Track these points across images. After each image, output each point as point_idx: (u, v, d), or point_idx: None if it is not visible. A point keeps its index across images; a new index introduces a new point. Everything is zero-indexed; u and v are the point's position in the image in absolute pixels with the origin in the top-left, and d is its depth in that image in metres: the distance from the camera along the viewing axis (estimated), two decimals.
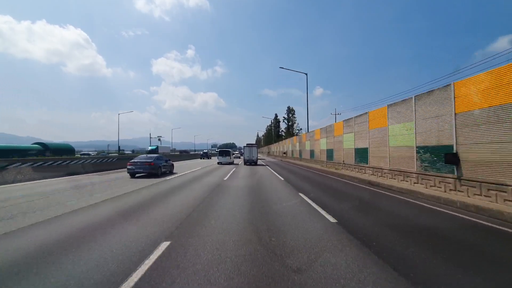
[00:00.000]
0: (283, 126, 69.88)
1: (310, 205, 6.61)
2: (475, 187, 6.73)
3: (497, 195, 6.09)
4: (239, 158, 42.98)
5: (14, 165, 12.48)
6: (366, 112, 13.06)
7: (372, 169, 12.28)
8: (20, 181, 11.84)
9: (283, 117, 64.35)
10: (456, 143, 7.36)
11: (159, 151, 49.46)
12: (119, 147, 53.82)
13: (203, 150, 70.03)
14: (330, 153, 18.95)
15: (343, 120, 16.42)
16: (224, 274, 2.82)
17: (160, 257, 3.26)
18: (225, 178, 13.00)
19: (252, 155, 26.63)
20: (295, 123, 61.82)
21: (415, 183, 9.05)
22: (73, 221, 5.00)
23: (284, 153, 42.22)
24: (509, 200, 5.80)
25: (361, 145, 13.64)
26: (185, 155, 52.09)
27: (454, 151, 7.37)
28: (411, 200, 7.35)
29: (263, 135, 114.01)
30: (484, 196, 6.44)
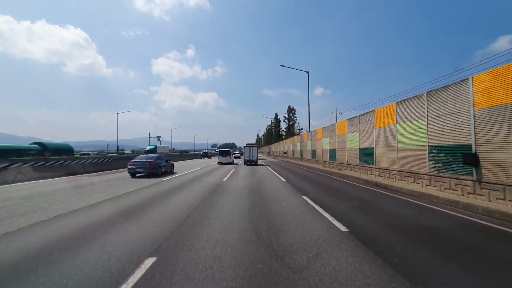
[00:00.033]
0: (283, 125, 69.30)
1: (315, 209, 6.03)
2: (497, 190, 6.11)
3: None
4: (239, 158, 42.92)
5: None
6: (372, 110, 12.44)
7: (378, 170, 11.66)
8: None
9: (284, 116, 63.75)
10: (475, 142, 6.75)
11: (158, 151, 48.97)
12: (117, 147, 53.34)
13: (203, 150, 69.63)
14: (333, 153, 18.34)
15: (347, 119, 15.80)
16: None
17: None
18: (225, 178, 12.85)
19: (252, 155, 26.42)
20: (296, 122, 61.21)
21: (427, 185, 8.44)
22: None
23: (285, 153, 41.62)
24: None
25: (367, 144, 13.02)
26: (185, 155, 51.94)
27: (473, 151, 6.76)
28: (425, 204, 6.74)
29: (263, 135, 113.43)
30: (509, 200, 5.83)
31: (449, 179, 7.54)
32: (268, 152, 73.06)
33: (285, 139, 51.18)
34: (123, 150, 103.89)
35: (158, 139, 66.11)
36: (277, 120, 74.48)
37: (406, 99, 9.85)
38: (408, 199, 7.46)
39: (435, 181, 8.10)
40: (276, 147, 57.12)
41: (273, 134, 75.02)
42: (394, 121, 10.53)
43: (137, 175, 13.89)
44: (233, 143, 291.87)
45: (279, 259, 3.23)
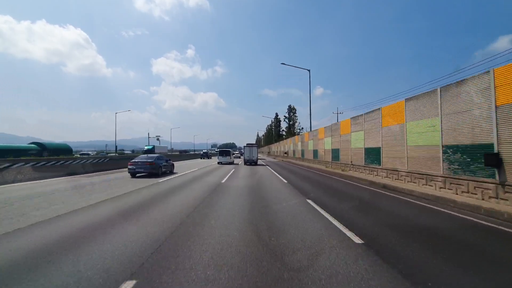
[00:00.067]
0: (283, 125, 68.66)
1: (322, 215, 5.41)
2: None
3: None
4: (239, 158, 42.83)
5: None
6: (379, 108, 11.82)
7: (386, 171, 11.04)
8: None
9: (284, 116, 63.08)
10: (497, 141, 6.14)
11: (156, 151, 48.49)
12: (116, 147, 52.79)
13: (203, 150, 69.35)
14: (335, 153, 17.72)
15: (351, 118, 15.18)
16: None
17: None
18: (225, 178, 12.72)
19: (252, 155, 26.22)
20: (296, 122, 60.53)
21: (441, 188, 7.82)
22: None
23: (285, 153, 41.02)
24: None
25: (373, 144, 12.41)
26: (185, 155, 51.67)
27: (495, 151, 6.15)
28: (442, 210, 6.12)
29: (263, 135, 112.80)
30: None
31: (467, 181, 6.92)
32: (268, 152, 72.45)
33: (285, 139, 50.56)
34: (123, 150, 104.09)
35: (157, 139, 65.55)
36: (277, 120, 73.86)
37: (417, 95, 9.24)
38: (423, 203, 6.84)
39: (451, 183, 7.48)
40: (276, 147, 56.52)
41: (273, 134, 74.39)
42: (403, 119, 9.92)
43: (137, 175, 13.90)
44: (233, 143, 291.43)
45: (287, 282, 2.71)
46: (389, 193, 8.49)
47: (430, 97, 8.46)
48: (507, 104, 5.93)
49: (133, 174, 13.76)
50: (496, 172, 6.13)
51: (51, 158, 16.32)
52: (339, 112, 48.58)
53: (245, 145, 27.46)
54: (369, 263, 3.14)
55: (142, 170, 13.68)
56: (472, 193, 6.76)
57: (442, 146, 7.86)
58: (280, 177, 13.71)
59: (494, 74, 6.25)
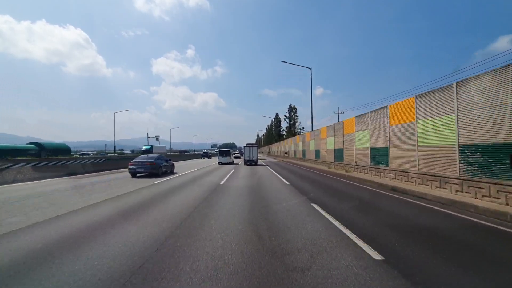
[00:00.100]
0: (284, 125, 67.98)
1: (331, 222, 4.78)
2: None
3: None
4: (239, 158, 42.78)
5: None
6: (386, 106, 11.20)
7: (394, 172, 10.42)
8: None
9: (285, 116, 62.31)
10: None
11: (154, 151, 47.99)
12: (114, 147, 52.23)
13: (203, 150, 69.17)
14: (339, 153, 17.11)
15: (355, 116, 14.56)
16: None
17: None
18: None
19: (252, 155, 26.07)
20: (297, 121, 59.74)
21: (457, 191, 7.20)
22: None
23: (286, 153, 40.42)
24: None
25: (379, 144, 11.79)
26: (185, 155, 51.38)
27: None
28: (464, 216, 5.50)
29: (263, 135, 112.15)
30: None
31: (488, 184, 6.30)
32: (269, 152, 71.82)
33: (286, 138, 49.93)
34: (123, 150, 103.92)
35: (157, 139, 65.05)
36: (277, 120, 73.21)
37: (429, 91, 8.61)
38: (439, 208, 6.23)
39: (469, 186, 6.86)
40: (276, 147, 55.91)
41: (274, 134, 73.74)
42: (413, 117, 9.30)
43: (138, 175, 13.94)
44: (233, 143, 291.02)
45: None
46: (399, 196, 7.88)
47: (444, 93, 7.84)
48: None
49: (134, 174, 13.78)
50: None
51: (50, 158, 16.19)
52: (340, 112, 47.98)
53: (245, 145, 27.26)
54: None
55: (142, 170, 13.66)
56: (494, 198, 6.13)
57: (459, 146, 7.24)
58: (281, 177, 13.34)
59: None
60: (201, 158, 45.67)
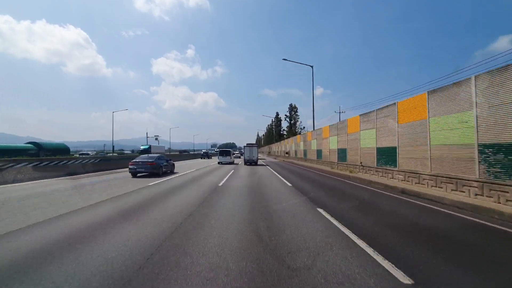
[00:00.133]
0: (284, 125, 67.34)
1: (343, 233, 4.15)
2: None
3: None
4: (239, 158, 42.87)
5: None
6: (394, 103, 10.58)
7: (403, 173, 9.80)
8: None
9: (285, 115, 61.64)
10: None
11: (153, 151, 47.61)
12: (113, 147, 51.63)
13: (202, 150, 69.20)
14: (342, 153, 16.49)
15: (360, 115, 13.94)
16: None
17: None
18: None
19: (252, 155, 26.09)
20: (298, 121, 59.08)
21: (477, 194, 6.59)
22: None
23: (287, 153, 39.81)
24: None
25: (386, 143, 11.17)
26: (185, 155, 51.72)
27: None
28: (491, 225, 4.89)
29: (263, 135, 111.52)
30: None
31: None
32: (269, 152, 71.21)
33: (286, 138, 49.33)
34: (123, 150, 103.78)
35: (156, 139, 64.61)
36: (278, 119, 72.58)
37: (443, 87, 7.99)
38: (460, 214, 5.61)
39: (490, 190, 6.25)
40: (277, 147, 55.30)
41: (274, 134, 73.13)
42: (425, 114, 8.68)
43: (138, 175, 13.97)
44: (233, 143, 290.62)
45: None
46: (412, 200, 7.26)
47: (461, 88, 7.22)
48: None
49: (134, 174, 13.79)
50: None
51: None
52: (342, 111, 47.33)
53: (245, 145, 27.09)
54: None
55: (143, 170, 13.66)
56: None
57: (478, 145, 6.63)
58: (282, 178, 12.87)
59: None
60: (202, 158, 45.68)
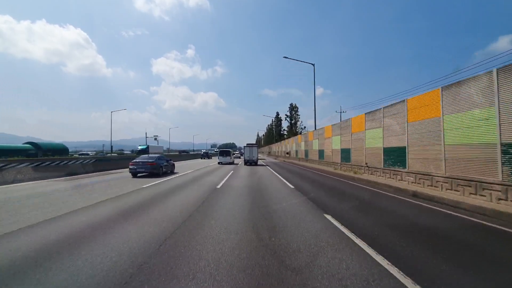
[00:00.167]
0: (285, 124, 66.71)
1: (360, 248, 3.55)
2: None
3: None
4: (239, 158, 42.89)
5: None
6: (403, 100, 9.97)
7: (414, 175, 9.19)
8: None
9: (286, 114, 60.95)
10: None
11: (151, 151, 47.36)
12: (111, 147, 51.01)
13: (202, 150, 69.31)
14: (345, 154, 15.89)
15: (365, 113, 13.34)
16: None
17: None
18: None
19: (252, 155, 25.96)
20: (298, 121, 58.37)
21: (500, 199, 5.98)
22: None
23: (287, 153, 39.21)
24: None
25: (395, 143, 10.57)
26: (185, 155, 52.22)
27: None
28: None
29: (263, 135, 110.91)
30: None
31: None
32: (269, 152, 70.60)
33: (287, 138, 48.72)
34: (122, 150, 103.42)
35: (155, 139, 64.08)
36: (278, 119, 71.96)
37: (459, 81, 7.38)
38: (489, 224, 5.01)
39: None
40: (277, 147, 54.70)
41: (274, 134, 72.51)
42: (438, 112, 8.07)
43: (139, 175, 13.97)
44: (233, 143, 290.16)
45: None
46: (425, 204, 6.68)
47: (480, 82, 6.62)
48: None
49: (135, 174, 13.80)
50: None
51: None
52: (343, 111, 46.74)
53: (245, 145, 26.94)
54: None
55: (143, 170, 13.66)
56: None
57: (501, 145, 6.02)
58: (282, 178, 12.47)
59: None
60: (202, 158, 45.73)
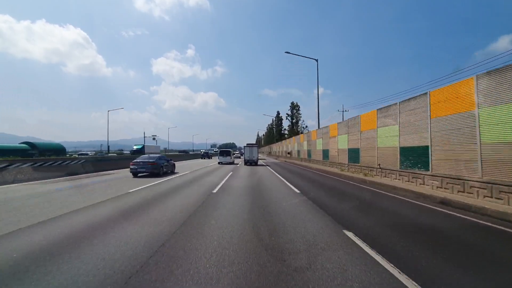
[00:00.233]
0: (285, 124, 65.46)
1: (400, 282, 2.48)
2: None
3: None
4: (239, 158, 42.62)
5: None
6: (426, 93, 8.76)
7: (440, 178, 7.97)
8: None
9: (286, 114, 59.63)
10: None
11: (146, 151, 46.78)
12: (108, 147, 49.99)
13: (202, 150, 69.15)
14: (354, 154, 14.69)
15: (377, 109, 12.14)
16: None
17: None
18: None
19: (252, 155, 25.61)
20: (299, 120, 57.16)
21: None
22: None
23: (289, 153, 38.02)
24: None
25: (414, 142, 9.36)
26: (185, 155, 52.54)
27: None
28: None
29: (263, 135, 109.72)
30: None
31: None
32: (269, 152, 69.41)
33: (288, 138, 47.53)
34: (122, 150, 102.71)
35: (154, 138, 63.15)
36: (278, 119, 70.75)
37: (500, 68, 6.20)
38: None
39: None
40: (278, 147, 53.52)
41: (275, 133, 71.30)
42: (471, 104, 6.88)
43: (139, 175, 13.96)
44: (233, 143, 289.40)
45: None
46: (458, 214, 5.51)
47: None
48: None
49: (135, 174, 13.77)
50: None
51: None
52: (344, 110, 45.52)
53: (245, 145, 26.73)
54: None
55: (144, 170, 13.64)
56: None
57: None
58: (283, 179, 11.83)
59: None
60: (202, 158, 45.76)
